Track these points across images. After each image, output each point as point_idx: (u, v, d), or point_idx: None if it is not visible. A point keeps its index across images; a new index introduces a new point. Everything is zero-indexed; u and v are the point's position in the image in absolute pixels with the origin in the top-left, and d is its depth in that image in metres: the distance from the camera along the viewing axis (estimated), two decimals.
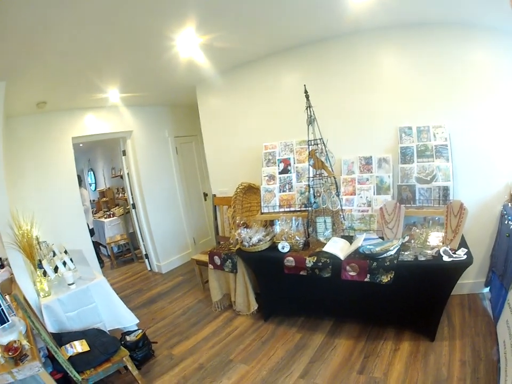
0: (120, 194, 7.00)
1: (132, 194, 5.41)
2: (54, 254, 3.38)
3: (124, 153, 5.28)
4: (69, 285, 2.84)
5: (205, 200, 6.20)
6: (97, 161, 7.84)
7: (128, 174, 5.36)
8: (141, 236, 5.53)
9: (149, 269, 5.64)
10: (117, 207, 7.02)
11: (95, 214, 7.15)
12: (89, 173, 7.97)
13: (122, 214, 6.51)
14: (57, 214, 3.95)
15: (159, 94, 4.67)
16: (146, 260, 5.62)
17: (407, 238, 2.78)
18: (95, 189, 8.03)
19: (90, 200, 7.14)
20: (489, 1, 2.41)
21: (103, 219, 6.54)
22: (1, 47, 2.19)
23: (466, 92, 3.02)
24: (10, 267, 2.95)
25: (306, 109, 3.01)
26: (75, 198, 4.53)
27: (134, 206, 5.44)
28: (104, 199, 7.55)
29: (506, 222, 2.77)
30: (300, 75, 3.63)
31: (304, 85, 3.01)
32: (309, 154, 3.11)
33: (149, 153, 5.28)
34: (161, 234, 5.40)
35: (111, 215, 6.61)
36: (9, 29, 2.00)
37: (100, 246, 6.79)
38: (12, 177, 2.97)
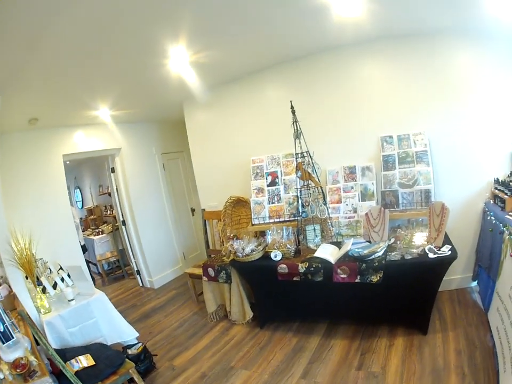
0: (108, 212, 6.99)
1: (121, 211, 5.43)
2: (51, 271, 3.40)
3: (113, 170, 5.32)
4: (69, 301, 2.87)
5: (193, 215, 6.30)
6: (83, 179, 7.82)
7: (117, 191, 5.39)
8: (132, 252, 5.53)
9: (140, 284, 5.64)
10: (105, 224, 7.01)
11: (83, 231, 7.11)
12: (75, 190, 7.93)
13: (111, 231, 6.52)
14: (50, 231, 3.94)
15: (147, 110, 4.76)
16: (138, 276, 5.61)
17: (393, 240, 2.96)
18: (82, 207, 7.98)
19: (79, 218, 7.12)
20: (472, 7, 2.55)
21: (92, 236, 6.51)
22: None
23: (445, 98, 3.22)
24: (7, 284, 2.92)
25: (293, 123, 3.18)
26: (67, 215, 4.54)
27: (124, 223, 5.45)
28: (92, 216, 7.52)
29: (488, 218, 2.96)
30: (285, 90, 3.80)
31: (291, 101, 3.19)
32: (296, 166, 3.28)
33: (137, 170, 5.34)
34: (152, 250, 5.43)
35: (100, 233, 6.60)
36: (5, 44, 2.02)
37: (90, 264, 6.74)
38: (7, 193, 2.96)
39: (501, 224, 2.62)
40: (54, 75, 2.71)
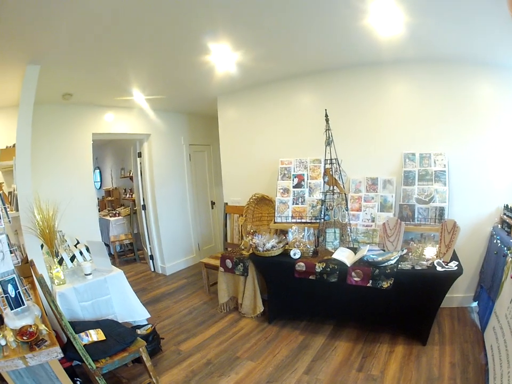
0: (128, 195, 7.14)
1: (143, 196, 5.57)
2: (68, 245, 3.46)
3: (139, 155, 5.49)
4: (86, 275, 2.90)
5: (212, 208, 6.44)
6: (105, 160, 8.00)
7: (141, 175, 5.54)
8: (148, 237, 5.68)
9: (152, 269, 5.77)
10: (123, 207, 7.17)
11: (99, 211, 7.28)
12: (95, 170, 8.12)
13: (128, 214, 6.67)
14: (72, 206, 3.89)
15: (181, 101, 4.89)
16: (150, 261, 5.75)
17: (405, 251, 3.10)
18: (100, 187, 8.16)
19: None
20: (502, 39, 2.67)
21: (108, 217, 6.68)
22: (41, 32, 2.28)
23: (467, 124, 3.38)
24: (21, 252, 2.95)
25: (326, 131, 3.31)
26: (91, 192, 4.67)
27: (144, 207, 5.61)
28: (110, 198, 7.68)
29: (495, 241, 3.10)
30: (318, 98, 3.93)
31: (325, 110, 3.32)
32: (324, 171, 3.42)
33: (163, 157, 5.47)
34: (169, 236, 5.56)
35: (117, 215, 6.75)
36: (52, 16, 2.09)
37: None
38: (35, 162, 2.96)
39: (505, 248, 2.75)
40: (95, 54, 2.80)
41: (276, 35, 2.69)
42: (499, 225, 3.28)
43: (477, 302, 3.54)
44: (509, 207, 3.15)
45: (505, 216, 3.15)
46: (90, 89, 3.86)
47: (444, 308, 3.46)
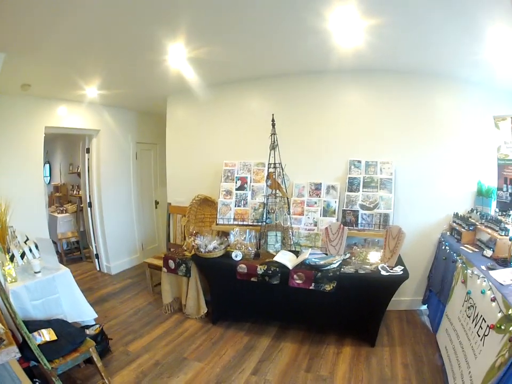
0: (75, 192, 6.86)
1: (89, 193, 5.41)
2: (18, 241, 3.31)
3: (88, 150, 5.31)
4: (35, 272, 2.82)
5: (156, 208, 6.36)
6: (55, 155, 7.61)
7: (88, 172, 5.37)
8: (93, 235, 5.51)
9: (98, 269, 5.60)
10: (70, 203, 6.88)
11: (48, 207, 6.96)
12: (45, 165, 7.72)
13: (75, 211, 6.43)
14: (21, 202, 3.75)
15: (132, 97, 4.78)
16: (96, 260, 5.58)
17: (348, 255, 3.22)
18: (49, 182, 7.78)
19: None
20: (470, 52, 2.75)
21: (56, 214, 6.38)
22: (10, 20, 2.25)
23: (418, 134, 3.54)
24: None
25: (271, 135, 3.37)
26: (40, 188, 4.50)
27: (90, 205, 5.42)
28: (58, 194, 7.33)
29: (443, 247, 3.27)
30: (266, 103, 3.99)
31: (273, 115, 3.38)
32: (268, 175, 3.48)
33: (111, 154, 5.35)
34: (114, 235, 5.44)
35: (64, 211, 6.47)
36: (23, 9, 2.09)
37: None
38: None
39: (454, 254, 2.92)
40: (61, 49, 2.78)
41: (231, 34, 2.67)
42: (448, 232, 3.46)
43: (426, 305, 3.70)
44: (459, 215, 3.34)
45: (455, 223, 3.32)
46: (49, 81, 3.76)
47: (392, 310, 3.59)
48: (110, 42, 2.68)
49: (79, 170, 6.27)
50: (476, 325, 2.12)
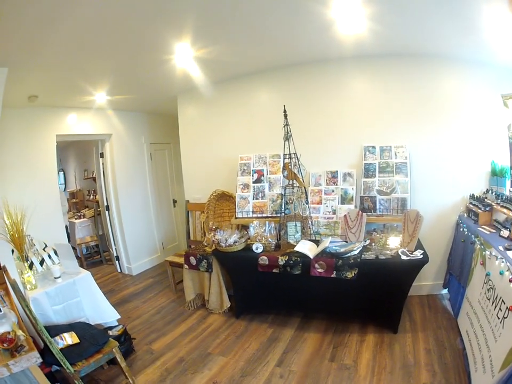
0: (91, 196, 6.96)
1: (106, 197, 5.48)
2: (37, 249, 3.38)
3: (102, 155, 5.37)
4: (55, 278, 2.88)
5: (174, 206, 6.41)
6: (68, 162, 7.76)
7: (103, 176, 5.44)
8: (113, 238, 5.59)
9: (119, 270, 5.68)
10: (87, 208, 6.99)
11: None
12: (59, 173, 7.85)
13: (93, 216, 6.51)
14: (38, 210, 3.79)
15: (141, 100, 4.81)
16: (116, 262, 5.67)
17: (368, 241, 3.19)
18: (64, 190, 7.91)
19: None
20: (467, 33, 2.71)
21: (73, 220, 6.49)
22: (8, 34, 2.24)
23: (429, 117, 3.48)
24: None
25: (284, 126, 3.36)
26: (55, 195, 4.57)
27: (107, 208, 5.50)
28: (74, 200, 7.47)
29: (461, 230, 3.23)
30: (278, 94, 3.97)
31: (284, 105, 3.36)
32: (284, 166, 3.47)
33: (125, 157, 5.40)
34: (133, 236, 5.50)
35: (82, 217, 6.58)
36: (17, 20, 2.06)
37: None
38: (2, 167, 2.92)
39: (472, 236, 2.87)
40: (64, 55, 2.75)
41: (236, 31, 2.68)
42: (465, 214, 3.40)
43: (447, 289, 3.65)
44: (475, 196, 3.28)
45: (471, 205, 3.27)
46: (56, 90, 3.79)
47: (413, 296, 3.57)
48: (115, 41, 2.64)
49: (94, 175, 6.36)
50: (495, 307, 2.06)
